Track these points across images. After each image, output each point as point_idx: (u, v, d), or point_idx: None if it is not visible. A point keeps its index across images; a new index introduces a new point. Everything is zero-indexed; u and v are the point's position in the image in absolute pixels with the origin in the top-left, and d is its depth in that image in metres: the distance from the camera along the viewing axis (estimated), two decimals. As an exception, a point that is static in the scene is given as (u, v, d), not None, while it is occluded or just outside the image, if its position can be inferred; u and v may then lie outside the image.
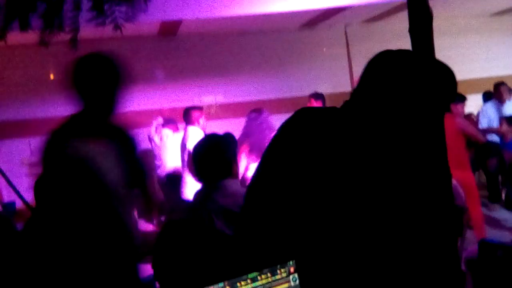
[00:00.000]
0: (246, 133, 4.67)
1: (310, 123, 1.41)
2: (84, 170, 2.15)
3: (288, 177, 1.36)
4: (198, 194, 2.39)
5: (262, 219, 1.39)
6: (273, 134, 1.50)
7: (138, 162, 2.46)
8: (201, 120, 5.35)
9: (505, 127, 6.36)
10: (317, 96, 6.57)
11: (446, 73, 1.38)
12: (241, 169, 4.53)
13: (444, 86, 1.38)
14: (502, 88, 6.98)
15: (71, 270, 2.00)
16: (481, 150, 6.59)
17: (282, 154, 1.39)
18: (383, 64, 1.39)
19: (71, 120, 2.28)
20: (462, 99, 5.56)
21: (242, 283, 1.16)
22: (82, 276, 2.01)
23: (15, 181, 3.36)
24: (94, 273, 2.05)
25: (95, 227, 2.15)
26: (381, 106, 1.35)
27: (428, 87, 1.34)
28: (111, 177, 2.20)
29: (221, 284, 1.14)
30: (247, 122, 4.75)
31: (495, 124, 6.76)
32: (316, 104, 6.53)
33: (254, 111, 4.84)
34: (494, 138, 6.72)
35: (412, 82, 1.34)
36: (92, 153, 2.18)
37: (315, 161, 1.34)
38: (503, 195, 6.71)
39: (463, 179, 4.56)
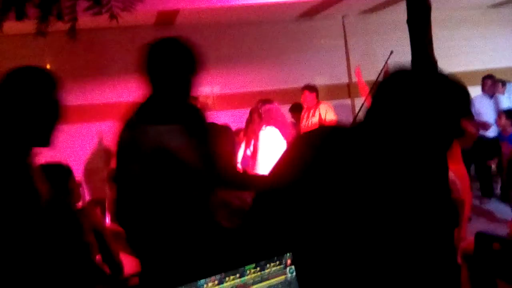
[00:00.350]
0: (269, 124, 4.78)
1: (326, 139, 1.47)
2: (160, 156, 2.11)
3: (298, 180, 1.39)
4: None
5: (268, 214, 1.42)
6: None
7: (213, 145, 2.39)
8: None
9: (503, 120, 6.36)
10: (311, 88, 6.59)
11: (460, 94, 1.39)
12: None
13: (458, 108, 1.38)
14: (490, 81, 7.00)
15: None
16: (478, 144, 6.61)
17: (296, 161, 1.45)
18: (398, 87, 1.39)
19: (143, 106, 2.22)
20: None
21: (238, 274, 1.17)
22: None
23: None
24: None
25: (172, 210, 2.14)
26: (395, 128, 1.36)
27: (443, 110, 1.35)
28: (186, 161, 2.17)
29: (218, 276, 1.14)
30: (264, 114, 4.80)
31: (484, 117, 6.78)
32: (310, 95, 6.53)
33: (266, 102, 4.91)
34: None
35: (427, 106, 1.34)
36: (166, 139, 2.14)
37: (325, 170, 1.38)
38: (498, 188, 6.73)
39: (456, 172, 4.57)
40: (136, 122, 2.18)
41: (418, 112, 1.34)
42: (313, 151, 1.43)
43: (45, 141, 1.74)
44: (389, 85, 1.42)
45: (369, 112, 1.44)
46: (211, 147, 2.33)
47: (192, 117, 2.29)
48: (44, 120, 1.72)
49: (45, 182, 1.80)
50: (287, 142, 4.88)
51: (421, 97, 1.34)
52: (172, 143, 2.14)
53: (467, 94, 1.39)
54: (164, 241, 2.12)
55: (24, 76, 1.74)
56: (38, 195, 1.72)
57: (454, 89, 1.38)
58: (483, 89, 7.09)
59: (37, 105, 1.70)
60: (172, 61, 2.17)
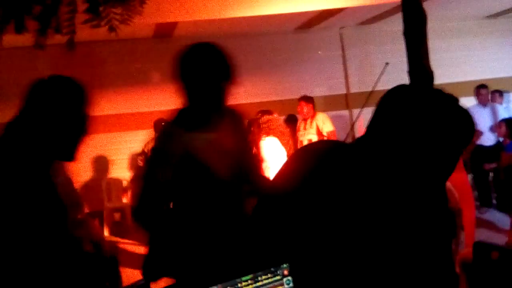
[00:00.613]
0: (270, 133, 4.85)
1: (327, 154, 1.46)
2: (187, 162, 2.10)
3: (297, 192, 1.39)
4: None
5: (265, 225, 1.42)
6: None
7: (248, 154, 2.38)
8: None
9: (503, 129, 6.37)
10: (308, 98, 6.64)
11: (464, 119, 1.38)
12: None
13: (461, 134, 1.37)
14: (483, 91, 7.03)
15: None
16: (476, 153, 6.63)
17: (295, 174, 1.45)
18: (400, 105, 1.38)
19: (181, 114, 2.21)
20: None
21: (236, 286, 1.16)
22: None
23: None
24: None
25: (200, 214, 2.13)
26: (396, 148, 1.36)
27: (445, 133, 1.34)
28: (219, 169, 2.15)
29: (214, 287, 1.14)
30: (264, 124, 4.87)
31: (480, 127, 6.77)
32: (306, 106, 6.57)
33: (266, 113, 4.96)
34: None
35: (430, 127, 1.33)
36: (200, 145, 2.13)
37: (325, 182, 1.39)
38: (494, 199, 6.74)
39: (457, 180, 4.57)
40: (170, 128, 2.20)
41: (419, 135, 1.33)
42: (313, 164, 1.44)
43: (70, 155, 1.72)
44: (391, 103, 1.40)
45: (370, 129, 1.44)
46: (246, 155, 2.32)
47: (227, 123, 2.27)
48: (72, 134, 1.70)
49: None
50: (287, 152, 4.91)
51: (422, 119, 1.33)
52: (200, 149, 2.13)
53: (472, 122, 1.38)
54: (176, 248, 2.12)
55: (55, 88, 1.70)
56: (63, 206, 1.71)
57: (460, 117, 1.37)
58: (477, 99, 7.11)
59: (67, 118, 1.67)
60: (206, 67, 2.16)
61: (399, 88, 1.42)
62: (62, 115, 1.67)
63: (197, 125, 2.16)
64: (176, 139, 2.14)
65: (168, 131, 2.20)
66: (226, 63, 2.20)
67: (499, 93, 7.68)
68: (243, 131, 2.40)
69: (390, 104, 1.39)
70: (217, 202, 2.17)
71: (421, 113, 1.33)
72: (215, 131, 2.20)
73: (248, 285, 1.18)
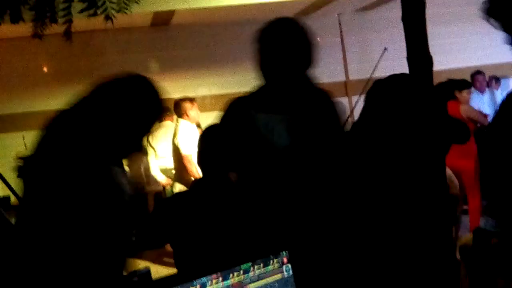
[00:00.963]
0: None
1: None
2: (258, 141, 1.97)
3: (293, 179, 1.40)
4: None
5: (265, 213, 1.42)
6: None
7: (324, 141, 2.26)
8: (192, 112, 5.24)
9: None
10: None
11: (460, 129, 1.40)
12: None
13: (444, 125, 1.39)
14: (480, 77, 6.99)
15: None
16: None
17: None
18: (389, 96, 1.38)
19: (256, 92, 2.10)
20: (468, 85, 5.42)
21: (235, 273, 1.17)
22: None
23: (9, 176, 3.35)
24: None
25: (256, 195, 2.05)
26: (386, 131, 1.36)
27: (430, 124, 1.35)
28: (287, 152, 1.94)
29: (214, 275, 1.14)
30: None
31: None
32: None
33: None
34: None
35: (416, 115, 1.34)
36: (268, 126, 1.99)
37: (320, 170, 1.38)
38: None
39: (466, 168, 4.56)
40: (242, 106, 2.09)
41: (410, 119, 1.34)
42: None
43: (123, 157, 1.68)
44: (381, 94, 1.41)
45: (362, 114, 1.44)
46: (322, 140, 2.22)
47: (306, 105, 2.08)
48: (135, 137, 1.67)
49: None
50: None
51: (410, 109, 1.34)
52: (268, 130, 1.99)
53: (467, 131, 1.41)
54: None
55: (131, 89, 1.69)
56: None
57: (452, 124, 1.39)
58: (474, 86, 7.07)
59: (137, 123, 1.65)
60: (288, 45, 2.05)
61: (390, 78, 1.43)
62: (133, 119, 1.65)
63: (270, 105, 2.03)
64: (243, 118, 2.04)
65: (239, 109, 2.09)
66: (309, 42, 2.09)
67: (496, 79, 7.66)
68: (326, 114, 2.13)
69: (380, 95, 1.41)
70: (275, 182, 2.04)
71: (407, 104, 1.35)
72: (289, 112, 2.03)
73: (247, 272, 1.18)
